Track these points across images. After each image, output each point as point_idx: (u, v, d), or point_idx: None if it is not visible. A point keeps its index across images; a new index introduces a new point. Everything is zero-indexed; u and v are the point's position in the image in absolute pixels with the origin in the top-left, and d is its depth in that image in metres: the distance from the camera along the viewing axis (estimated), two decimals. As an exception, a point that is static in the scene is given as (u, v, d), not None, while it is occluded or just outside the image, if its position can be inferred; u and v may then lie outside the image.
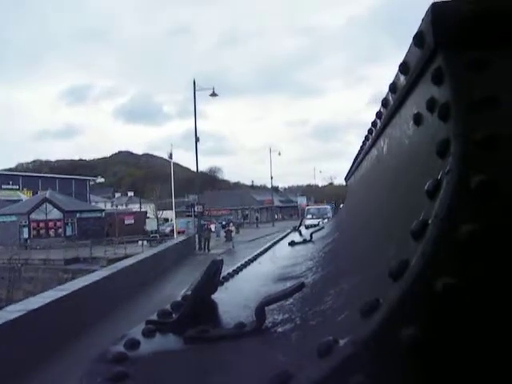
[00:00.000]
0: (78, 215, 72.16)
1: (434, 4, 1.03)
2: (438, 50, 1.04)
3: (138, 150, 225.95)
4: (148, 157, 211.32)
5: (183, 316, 1.51)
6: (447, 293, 0.82)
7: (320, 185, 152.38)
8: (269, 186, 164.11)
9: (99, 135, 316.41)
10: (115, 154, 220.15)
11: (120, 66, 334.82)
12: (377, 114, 2.04)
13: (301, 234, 4.32)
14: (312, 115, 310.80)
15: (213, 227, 62.45)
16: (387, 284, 0.90)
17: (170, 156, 60.20)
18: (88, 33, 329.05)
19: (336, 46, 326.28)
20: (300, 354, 1.01)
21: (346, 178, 4.90)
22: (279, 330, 1.28)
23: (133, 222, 75.73)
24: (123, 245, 52.01)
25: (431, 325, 0.82)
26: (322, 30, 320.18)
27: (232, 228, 53.43)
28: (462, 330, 0.83)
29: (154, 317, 1.58)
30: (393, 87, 1.54)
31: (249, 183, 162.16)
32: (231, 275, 2.39)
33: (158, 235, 60.87)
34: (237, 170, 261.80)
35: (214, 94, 48.53)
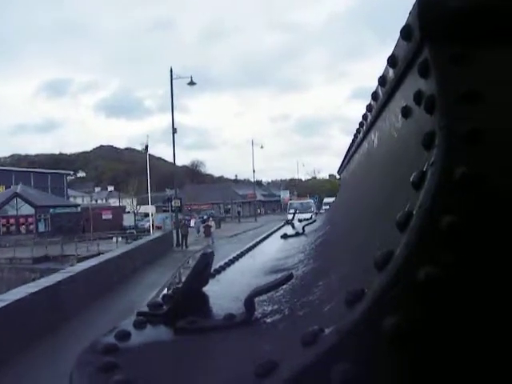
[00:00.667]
0: (51, 211, 69.53)
1: None
2: (424, 43, 1.05)
3: (120, 144, 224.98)
4: (130, 151, 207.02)
5: (174, 308, 1.50)
6: (430, 282, 0.84)
7: (303, 179, 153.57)
8: (252, 179, 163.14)
9: (80, 129, 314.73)
10: (97, 148, 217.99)
11: (101, 60, 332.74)
12: (367, 107, 2.05)
13: (294, 226, 4.24)
14: (294, 110, 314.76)
15: (193, 222, 60.00)
16: (372, 274, 0.91)
17: (146, 148, 57.71)
18: (68, 26, 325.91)
19: (318, 42, 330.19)
20: (287, 343, 1.01)
21: (338, 171, 4.93)
22: (268, 320, 1.29)
23: (111, 217, 73.52)
24: (101, 241, 49.91)
25: (414, 313, 0.84)
26: (304, 26, 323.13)
27: (211, 223, 51.38)
28: (444, 319, 0.84)
29: (145, 308, 1.58)
30: (382, 80, 1.55)
31: (232, 177, 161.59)
32: (223, 268, 2.36)
33: (134, 231, 58.42)
34: (220, 164, 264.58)
35: (191, 83, 47.23)
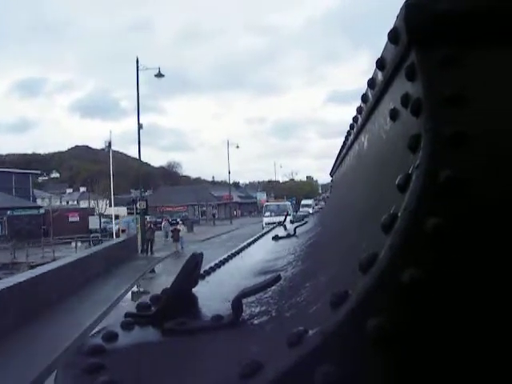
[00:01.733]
0: (8, 213, 65.19)
1: (407, 1, 1.04)
2: (411, 46, 1.05)
3: (97, 145, 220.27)
4: (107, 151, 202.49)
5: (162, 309, 1.50)
6: (414, 284, 0.84)
7: (281, 180, 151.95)
8: (230, 181, 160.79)
9: (55, 129, 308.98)
10: (72, 148, 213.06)
11: (76, 60, 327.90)
12: (357, 109, 2.07)
13: (285, 228, 4.26)
14: (271, 113, 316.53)
15: (162, 225, 56.35)
16: (357, 276, 0.92)
17: (109, 145, 53.80)
18: (41, 25, 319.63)
19: (295, 46, 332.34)
20: (272, 344, 1.02)
21: (330, 173, 5.00)
22: (255, 321, 1.30)
23: (78, 219, 69.27)
24: (61, 246, 46.36)
25: (398, 315, 0.84)
26: (281, 30, 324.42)
27: (180, 227, 47.88)
28: (428, 321, 0.85)
29: (133, 310, 1.58)
30: (371, 83, 1.56)
31: (210, 179, 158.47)
32: (213, 269, 2.37)
33: (99, 235, 54.52)
34: (198, 166, 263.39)
35: (159, 75, 44.51)
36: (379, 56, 1.33)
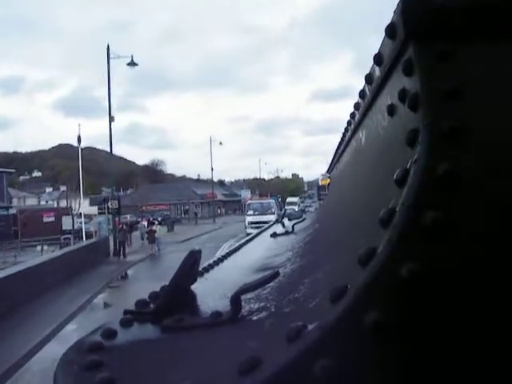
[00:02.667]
0: (-27, 213, 60.98)
1: None
2: (408, 41, 1.06)
3: (81, 143, 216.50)
4: (90, 150, 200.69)
5: (161, 306, 1.51)
6: (412, 278, 0.85)
7: (267, 178, 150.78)
8: (215, 179, 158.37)
9: (38, 128, 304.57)
10: (55, 146, 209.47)
11: (59, 58, 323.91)
12: (355, 105, 2.08)
13: (283, 225, 4.19)
14: (255, 111, 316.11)
15: (139, 225, 53.28)
16: (356, 271, 0.93)
17: (78, 140, 50.11)
18: (19, 22, 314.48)
19: (279, 45, 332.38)
20: (272, 340, 1.02)
21: (328, 170, 5.02)
22: (254, 318, 1.30)
23: (53, 219, 65.56)
24: (30, 248, 43.30)
25: (396, 309, 0.86)
26: (265, 29, 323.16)
27: (157, 227, 44.92)
28: (426, 314, 0.86)
29: (132, 307, 1.58)
30: (368, 78, 1.56)
31: (195, 177, 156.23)
32: (212, 266, 2.39)
33: (71, 236, 51.14)
34: (183, 164, 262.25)
35: (132, 63, 41.53)
36: (376, 51, 1.33)
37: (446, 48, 1.01)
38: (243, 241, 3.56)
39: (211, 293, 1.80)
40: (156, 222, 48.51)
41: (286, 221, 4.67)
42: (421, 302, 0.86)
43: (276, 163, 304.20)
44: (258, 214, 51.75)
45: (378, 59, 1.34)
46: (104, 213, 50.32)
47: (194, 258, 1.69)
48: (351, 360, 0.85)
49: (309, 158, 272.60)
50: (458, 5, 1.02)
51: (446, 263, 0.87)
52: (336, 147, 3.56)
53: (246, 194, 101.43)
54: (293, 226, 3.57)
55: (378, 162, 1.47)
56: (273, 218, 51.83)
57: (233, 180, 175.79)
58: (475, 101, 0.97)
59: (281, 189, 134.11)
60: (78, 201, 59.46)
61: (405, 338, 0.85)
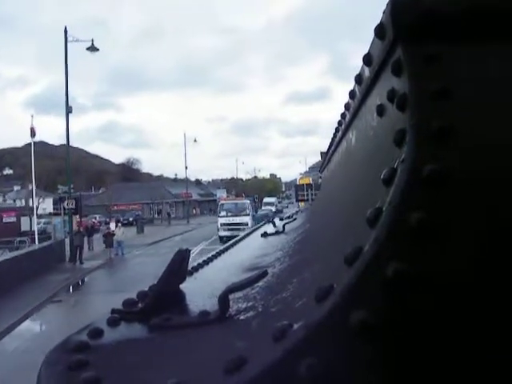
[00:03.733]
0: None
1: None
2: (397, 41, 1.06)
3: (55, 141, 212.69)
4: (65, 147, 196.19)
5: (149, 305, 1.50)
6: (398, 278, 0.86)
7: (244, 178, 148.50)
8: (192, 178, 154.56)
9: (10, 125, 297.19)
10: (28, 144, 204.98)
11: (31, 55, 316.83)
12: (345, 105, 2.08)
13: (274, 225, 4.22)
14: (232, 111, 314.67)
15: (112, 226, 49.32)
16: (342, 270, 0.93)
17: (31, 132, 45.57)
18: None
19: (256, 47, 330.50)
20: (258, 339, 1.03)
21: (320, 170, 5.12)
22: (241, 317, 1.30)
23: (14, 220, 61.25)
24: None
25: (382, 309, 0.86)
26: (243, 31, 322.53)
27: (119, 229, 41.11)
28: (412, 315, 0.86)
29: (120, 306, 1.57)
30: (358, 79, 1.57)
31: (173, 176, 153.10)
32: (201, 265, 2.39)
33: (26, 239, 46.83)
34: (160, 163, 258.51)
35: (93, 48, 37.91)
36: (366, 52, 1.33)
37: (435, 49, 1.02)
38: (233, 240, 3.58)
39: (200, 292, 1.78)
40: (119, 224, 44.70)
41: (277, 220, 4.65)
42: (407, 302, 0.86)
43: (254, 164, 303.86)
44: (232, 216, 48.45)
45: (367, 59, 1.34)
46: (59, 213, 46.00)
47: (182, 256, 1.67)
48: (337, 359, 0.84)
49: (286, 158, 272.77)
50: (448, 6, 1.03)
51: (432, 263, 0.87)
52: (327, 147, 3.56)
53: (221, 193, 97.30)
54: (283, 226, 3.54)
55: (367, 161, 1.47)
56: (247, 219, 49.12)
57: (210, 179, 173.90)
58: (463, 101, 0.97)
59: (258, 189, 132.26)
60: (39, 200, 55.58)
61: (390, 338, 0.85)
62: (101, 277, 30.66)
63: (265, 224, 4.90)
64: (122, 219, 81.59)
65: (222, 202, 54.45)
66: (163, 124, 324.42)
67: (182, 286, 1.74)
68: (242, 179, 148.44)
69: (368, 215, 0.95)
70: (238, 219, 48.17)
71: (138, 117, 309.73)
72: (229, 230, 46.73)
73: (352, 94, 1.80)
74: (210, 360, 1.05)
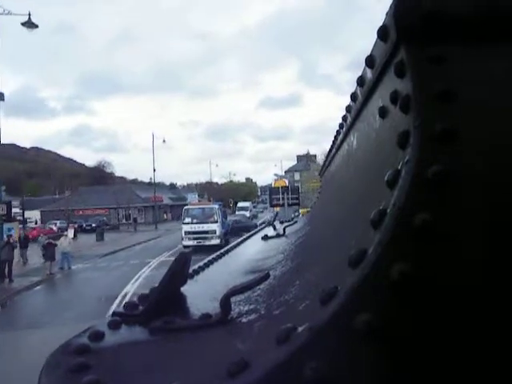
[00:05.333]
0: None
1: None
2: (400, 43, 1.06)
3: (25, 144, 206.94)
4: (37, 150, 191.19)
5: (150, 308, 1.49)
6: (402, 280, 0.85)
7: (220, 182, 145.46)
8: (166, 183, 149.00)
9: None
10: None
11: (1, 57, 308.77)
12: (346, 107, 2.06)
13: (275, 228, 4.26)
14: (206, 116, 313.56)
15: (70, 233, 43.63)
16: (346, 272, 0.92)
17: None
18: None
19: (230, 52, 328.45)
20: (261, 342, 1.02)
21: (320, 173, 4.97)
22: (244, 320, 1.29)
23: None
24: None
25: (386, 311, 0.85)
26: (216, 36, 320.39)
27: (62, 239, 35.60)
28: (416, 317, 0.86)
29: (121, 309, 1.58)
30: (360, 81, 1.56)
31: (147, 180, 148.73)
32: (202, 268, 2.37)
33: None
34: (134, 167, 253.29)
35: (30, 24, 32.99)
36: (369, 54, 1.33)
37: (438, 50, 1.01)
38: (234, 243, 3.55)
39: (201, 294, 1.78)
40: (67, 231, 39.17)
41: (277, 223, 4.66)
42: (411, 304, 0.85)
43: (229, 168, 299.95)
44: (198, 223, 43.07)
45: (369, 61, 1.33)
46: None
47: (184, 259, 1.66)
48: (341, 362, 0.84)
49: (261, 163, 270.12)
50: (451, 8, 1.02)
51: (437, 265, 0.86)
52: (328, 150, 3.49)
53: (193, 197, 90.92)
54: (284, 229, 3.53)
55: (369, 164, 1.46)
56: (215, 227, 44.05)
57: (185, 183, 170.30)
58: (466, 103, 0.96)
59: (233, 193, 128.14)
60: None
61: (395, 341, 0.84)
62: (31, 300, 25.06)
63: (265, 227, 4.87)
64: (84, 225, 76.09)
65: (187, 207, 48.20)
66: (137, 128, 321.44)
67: (184, 289, 1.74)
68: (217, 183, 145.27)
69: (372, 217, 0.93)
70: (205, 227, 42.95)
71: (110, 121, 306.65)
72: (195, 239, 41.89)
73: (354, 96, 1.78)
74: (212, 363, 1.04)
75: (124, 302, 1.61)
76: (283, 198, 42.82)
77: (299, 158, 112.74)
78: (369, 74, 1.41)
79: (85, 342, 1.29)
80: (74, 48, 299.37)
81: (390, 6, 1.06)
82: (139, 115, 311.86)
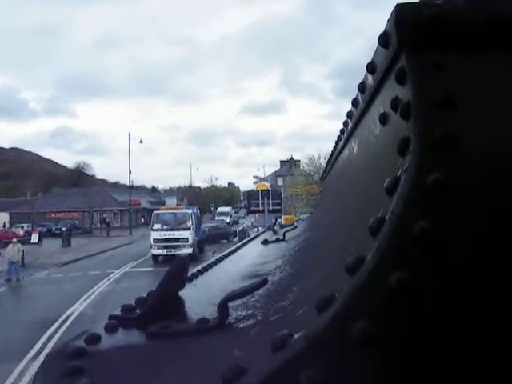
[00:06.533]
0: None
1: (398, 5, 1.05)
2: (401, 50, 1.06)
3: (4, 144, 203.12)
4: (16, 151, 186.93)
5: (147, 311, 1.49)
6: (400, 287, 0.85)
7: (202, 187, 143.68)
8: (149, 186, 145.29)
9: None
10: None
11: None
12: (347, 113, 2.06)
13: (275, 232, 4.30)
14: (188, 121, 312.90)
15: (34, 238, 39.48)
16: (344, 279, 0.92)
17: None
18: None
19: (212, 58, 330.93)
20: (257, 348, 1.01)
21: (321, 178, 5.08)
22: (241, 325, 1.29)
23: None
24: None
25: (383, 319, 0.85)
26: (198, 42, 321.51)
27: (10, 246, 31.37)
28: (413, 325, 0.85)
29: (118, 312, 1.56)
30: (361, 87, 1.55)
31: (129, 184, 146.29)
32: (201, 272, 2.37)
33: None
34: (116, 170, 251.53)
35: None
36: (370, 60, 1.33)
37: (439, 57, 1.01)
38: (233, 247, 3.53)
39: (199, 299, 1.77)
40: (14, 239, 35.04)
41: (277, 228, 4.69)
42: (409, 312, 0.84)
43: (211, 172, 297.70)
44: (168, 229, 38.82)
45: (370, 68, 1.33)
46: None
47: (182, 263, 1.65)
48: (337, 371, 0.83)
49: (244, 168, 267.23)
50: (452, 15, 1.03)
51: (435, 273, 0.86)
52: (329, 155, 3.52)
53: (171, 201, 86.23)
54: (284, 234, 3.57)
55: (369, 170, 1.46)
56: (187, 234, 39.93)
57: (167, 187, 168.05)
58: (467, 110, 0.96)
59: (215, 198, 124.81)
60: None
61: (392, 349, 0.83)
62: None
63: (265, 231, 4.87)
64: (54, 229, 71.94)
65: (156, 212, 43.47)
66: (119, 131, 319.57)
67: (182, 293, 1.72)
68: (199, 187, 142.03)
69: (370, 224, 0.93)
70: (176, 234, 38.63)
71: (92, 123, 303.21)
72: (164, 247, 37.80)
73: (355, 103, 1.78)
74: (208, 369, 1.04)
75: (121, 306, 1.58)
76: (263, 204, 38.90)
77: (282, 163, 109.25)
78: (370, 80, 1.39)
79: (81, 345, 1.27)
80: (56, 50, 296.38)
81: (391, 13, 1.05)
82: (122, 118, 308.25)
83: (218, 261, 2.77)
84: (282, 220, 32.84)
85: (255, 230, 43.03)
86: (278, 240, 3.43)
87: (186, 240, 38.64)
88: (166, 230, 39.16)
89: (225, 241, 51.08)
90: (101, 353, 1.26)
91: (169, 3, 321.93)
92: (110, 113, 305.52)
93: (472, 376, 0.84)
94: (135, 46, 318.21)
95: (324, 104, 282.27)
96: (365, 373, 0.84)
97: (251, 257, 2.97)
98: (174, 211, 43.04)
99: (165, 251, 37.82)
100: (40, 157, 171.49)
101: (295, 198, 59.98)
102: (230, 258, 3.03)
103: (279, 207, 41.06)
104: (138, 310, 1.54)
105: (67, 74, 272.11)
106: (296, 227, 4.26)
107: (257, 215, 40.36)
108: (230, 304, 1.35)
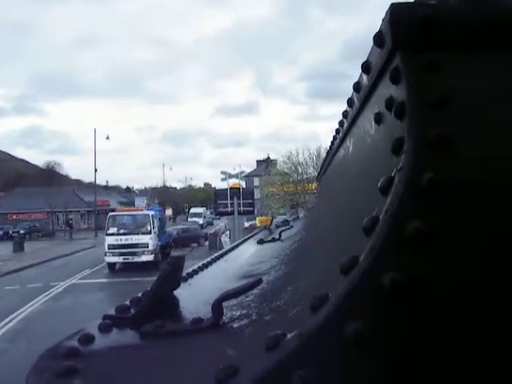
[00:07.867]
0: None
1: (392, 4, 1.05)
2: (396, 49, 1.06)
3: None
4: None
5: (141, 311, 1.48)
6: (394, 288, 0.85)
7: (178, 187, 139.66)
8: (123, 186, 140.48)
9: None
10: None
11: None
12: (343, 113, 2.06)
13: (271, 232, 4.31)
14: (162, 121, 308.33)
15: None
16: (337, 279, 0.92)
17: None
18: None
19: (188, 60, 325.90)
20: (251, 348, 1.02)
21: (317, 178, 4.98)
22: (235, 325, 1.29)
23: None
24: None
25: (377, 319, 0.85)
26: (174, 44, 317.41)
27: None
28: (407, 325, 0.85)
29: (112, 312, 1.56)
30: (356, 87, 1.56)
31: (104, 184, 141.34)
32: (196, 272, 2.36)
33: None
34: (90, 170, 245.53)
35: None
36: (365, 60, 1.33)
37: (433, 57, 1.01)
38: (229, 247, 3.53)
39: (194, 298, 1.78)
40: None
41: (273, 227, 4.63)
42: (403, 313, 0.84)
43: (187, 173, 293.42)
44: (125, 234, 34.08)
45: (365, 67, 1.33)
46: None
47: (177, 263, 1.65)
48: (331, 370, 0.83)
49: (219, 168, 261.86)
50: (447, 15, 1.03)
51: (429, 273, 0.86)
52: (325, 156, 3.48)
53: (140, 202, 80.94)
54: (280, 233, 3.53)
55: (364, 170, 1.46)
56: (147, 239, 35.29)
57: (143, 187, 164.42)
58: (461, 110, 0.97)
59: (191, 198, 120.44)
60: None
61: (386, 349, 0.83)
62: None
63: (261, 231, 4.86)
64: (11, 231, 66.76)
65: (112, 213, 39.27)
66: (93, 132, 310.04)
67: (176, 292, 1.73)
68: (175, 188, 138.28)
69: (364, 224, 0.93)
70: (134, 239, 33.84)
71: (65, 123, 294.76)
72: (121, 254, 33.15)
73: (350, 102, 1.78)
74: (201, 369, 1.04)
75: (116, 305, 1.58)
76: (232, 204, 34.49)
77: (259, 162, 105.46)
78: (365, 79, 1.40)
79: (74, 345, 1.27)
80: (29, 48, 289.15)
81: (386, 13, 1.05)
82: (96, 119, 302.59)
83: (214, 260, 2.76)
84: (257, 222, 28.87)
85: (228, 233, 38.59)
86: (273, 239, 3.41)
87: (146, 246, 34.20)
88: (123, 234, 34.46)
89: (195, 244, 46.25)
90: (94, 353, 1.25)
91: (144, 4, 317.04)
92: (84, 113, 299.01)
93: (467, 376, 0.84)
94: (110, 46, 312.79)
95: (297, 105, 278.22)
96: (358, 373, 0.83)
97: (246, 256, 2.97)
98: (133, 213, 38.38)
99: (121, 259, 33.57)
100: (12, 156, 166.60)
101: (271, 198, 55.58)
102: (225, 257, 3.02)
103: (251, 208, 37.03)
104: (132, 310, 1.52)
105: (40, 73, 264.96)
106: (292, 227, 4.20)
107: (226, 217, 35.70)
108: (225, 304, 1.34)
